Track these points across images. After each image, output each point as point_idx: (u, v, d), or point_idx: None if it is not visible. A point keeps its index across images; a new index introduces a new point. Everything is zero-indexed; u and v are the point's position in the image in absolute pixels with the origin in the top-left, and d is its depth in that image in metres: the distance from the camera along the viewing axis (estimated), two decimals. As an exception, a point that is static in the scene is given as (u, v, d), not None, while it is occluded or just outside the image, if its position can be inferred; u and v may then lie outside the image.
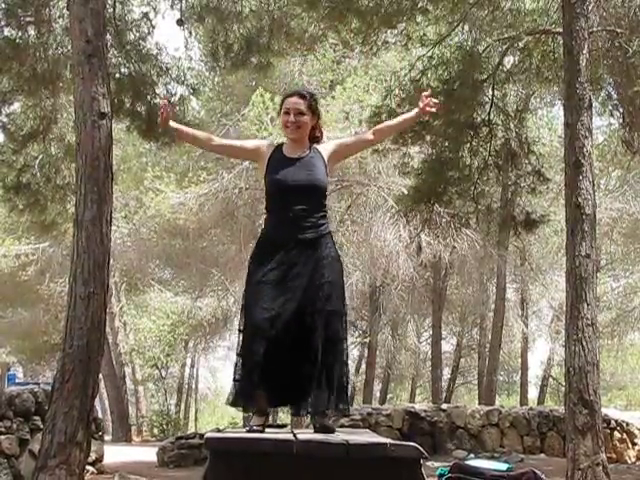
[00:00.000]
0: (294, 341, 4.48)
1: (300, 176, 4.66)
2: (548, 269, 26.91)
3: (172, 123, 4.89)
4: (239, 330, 4.71)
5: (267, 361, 4.44)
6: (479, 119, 13.19)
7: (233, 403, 4.66)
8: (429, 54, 12.90)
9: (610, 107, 13.79)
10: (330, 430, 4.52)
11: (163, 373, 31.18)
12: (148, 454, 15.17)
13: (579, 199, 9.29)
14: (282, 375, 4.49)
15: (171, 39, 19.42)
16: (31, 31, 12.28)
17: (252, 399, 4.61)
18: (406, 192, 14.88)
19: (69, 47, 10.29)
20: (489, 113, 13.04)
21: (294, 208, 4.61)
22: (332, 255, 4.70)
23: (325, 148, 4.88)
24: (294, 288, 4.54)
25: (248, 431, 4.45)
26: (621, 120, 13.88)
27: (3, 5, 12.02)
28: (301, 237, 4.60)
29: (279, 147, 4.84)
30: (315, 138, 4.91)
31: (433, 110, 5.08)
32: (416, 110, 5.12)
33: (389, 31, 12.58)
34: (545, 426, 15.61)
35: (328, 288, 4.59)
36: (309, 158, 4.75)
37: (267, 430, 4.51)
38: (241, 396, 4.63)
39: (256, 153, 4.92)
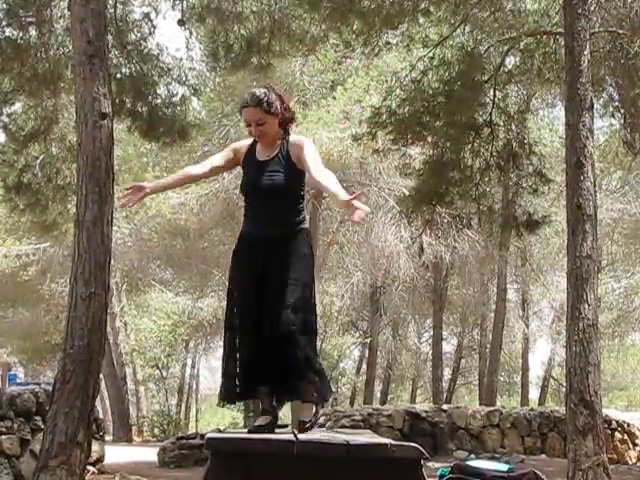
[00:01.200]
0: (275, 337, 4.49)
1: (262, 180, 4.66)
2: (549, 270, 26.92)
3: (145, 184, 4.83)
4: (226, 327, 4.74)
5: (260, 359, 4.50)
6: (480, 120, 13.19)
7: (230, 401, 4.71)
8: (430, 55, 12.90)
9: (611, 108, 13.80)
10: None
11: (164, 373, 31.17)
12: (149, 454, 15.18)
13: (580, 200, 9.29)
14: (274, 371, 4.51)
15: (172, 40, 19.38)
16: (32, 31, 12.30)
17: (251, 396, 4.72)
18: (407, 193, 14.88)
19: (70, 47, 10.32)
20: (490, 114, 13.04)
21: (261, 208, 4.68)
22: (303, 252, 4.69)
23: (296, 147, 4.70)
24: (270, 285, 4.58)
25: (249, 431, 4.45)
26: (622, 121, 13.89)
27: (4, 5, 12.04)
28: (270, 234, 4.62)
29: (254, 145, 4.85)
30: (287, 122, 4.83)
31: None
32: (344, 200, 4.34)
33: (391, 32, 12.58)
34: (546, 427, 15.61)
35: (296, 285, 4.59)
36: (275, 160, 4.70)
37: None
38: (242, 393, 4.66)
39: (236, 159, 4.93)
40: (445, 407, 15.77)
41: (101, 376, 11.35)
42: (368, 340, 26.28)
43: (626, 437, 16.24)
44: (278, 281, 4.57)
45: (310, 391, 4.61)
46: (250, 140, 4.94)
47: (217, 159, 5.03)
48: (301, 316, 4.58)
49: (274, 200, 4.65)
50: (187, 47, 13.64)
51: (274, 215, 4.66)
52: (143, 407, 29.62)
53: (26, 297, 25.42)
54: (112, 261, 9.25)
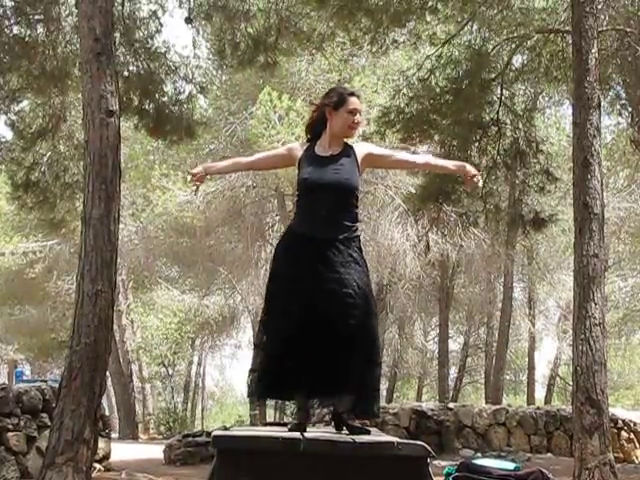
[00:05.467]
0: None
1: (328, 175, 4.61)
2: (556, 268, 26.84)
3: (203, 170, 4.87)
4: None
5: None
6: (488, 118, 13.18)
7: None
8: (438, 53, 12.89)
9: (619, 106, 13.78)
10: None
11: (170, 371, 31.20)
12: (155, 452, 15.19)
13: (587, 198, 9.27)
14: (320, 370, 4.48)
15: (179, 37, 19.42)
16: (40, 29, 12.32)
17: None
18: (414, 191, 14.89)
19: (78, 45, 10.32)
20: (498, 112, 13.02)
21: (321, 206, 4.58)
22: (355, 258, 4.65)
23: (361, 149, 4.78)
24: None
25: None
26: (629, 119, 13.87)
27: (12, 3, 12.06)
28: (327, 236, 4.55)
29: (312, 145, 4.76)
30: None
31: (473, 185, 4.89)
32: (460, 168, 4.97)
33: (398, 30, 12.57)
34: (552, 425, 15.57)
35: None
36: (341, 157, 4.67)
37: (274, 428, 4.51)
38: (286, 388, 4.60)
39: (290, 157, 4.83)
40: (451, 405, 15.74)
41: (107, 373, 11.38)
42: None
43: (632, 436, 16.18)
44: None
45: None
46: (299, 143, 4.93)
47: (270, 152, 5.10)
48: None
49: (338, 196, 4.61)
50: (194, 45, 13.65)
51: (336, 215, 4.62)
52: (149, 405, 29.67)
53: (33, 294, 25.47)
54: (119, 259, 9.27)
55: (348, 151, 4.69)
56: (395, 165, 5.44)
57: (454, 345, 31.01)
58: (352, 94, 4.77)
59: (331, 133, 4.69)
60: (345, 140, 4.76)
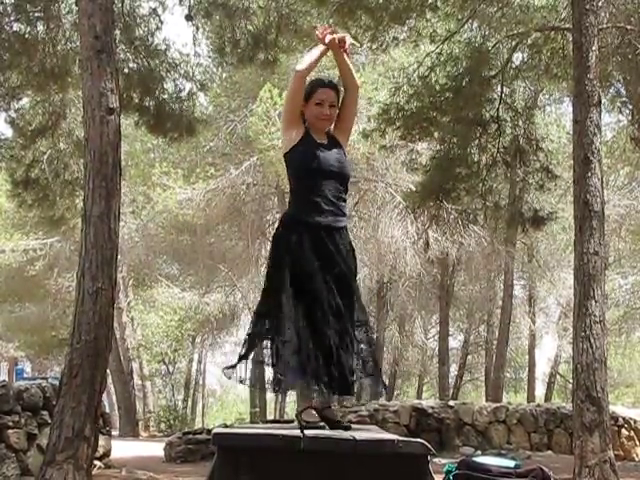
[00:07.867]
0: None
1: (332, 162, 4.52)
2: (556, 266, 26.83)
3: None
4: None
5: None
6: (487, 116, 13.18)
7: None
8: (438, 50, 12.89)
9: (619, 104, 13.77)
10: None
11: (170, 368, 31.24)
12: (155, 449, 15.21)
13: (587, 196, 9.27)
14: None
15: (179, 35, 19.40)
16: (40, 26, 12.32)
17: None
18: (414, 188, 14.89)
19: (78, 42, 10.32)
20: (498, 110, 13.02)
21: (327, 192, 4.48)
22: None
23: (335, 130, 4.68)
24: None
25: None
26: (630, 117, 13.87)
27: (13, 0, 12.05)
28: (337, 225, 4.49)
29: (307, 130, 4.60)
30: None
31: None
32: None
33: (398, 27, 12.57)
34: (552, 423, 15.58)
35: None
36: (333, 145, 4.58)
37: (274, 425, 4.50)
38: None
39: (298, 121, 4.64)
40: (451, 403, 15.74)
41: (108, 371, 11.38)
42: (374, 336, 26.24)
43: (633, 434, 16.18)
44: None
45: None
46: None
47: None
48: None
49: (343, 184, 4.54)
50: (194, 43, 13.65)
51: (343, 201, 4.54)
52: (150, 402, 29.69)
53: (33, 292, 25.49)
54: (119, 256, 9.27)
55: (333, 138, 4.62)
56: (352, 100, 5.07)
57: (454, 343, 31.06)
58: (322, 85, 4.59)
59: (309, 124, 4.61)
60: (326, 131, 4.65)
